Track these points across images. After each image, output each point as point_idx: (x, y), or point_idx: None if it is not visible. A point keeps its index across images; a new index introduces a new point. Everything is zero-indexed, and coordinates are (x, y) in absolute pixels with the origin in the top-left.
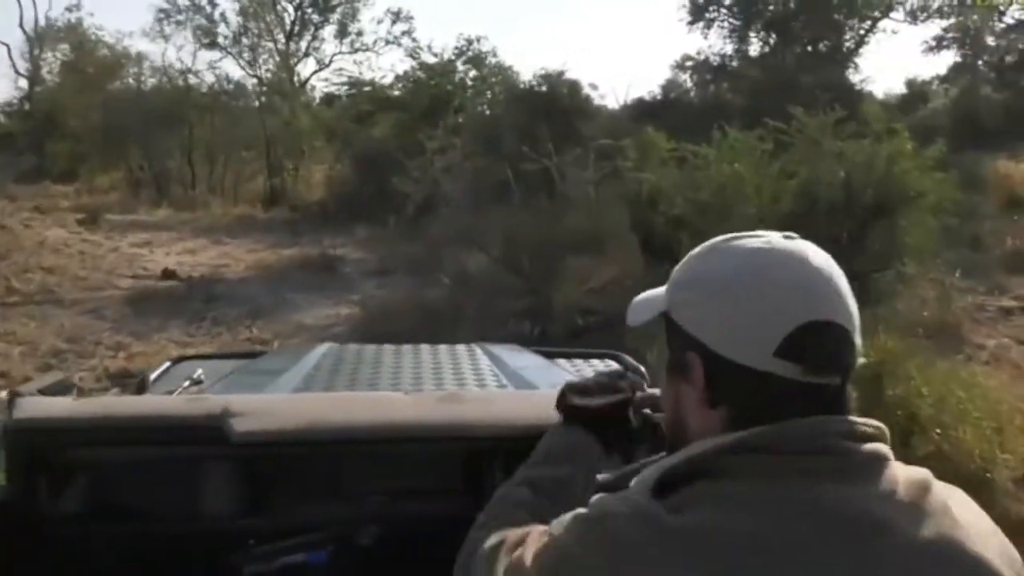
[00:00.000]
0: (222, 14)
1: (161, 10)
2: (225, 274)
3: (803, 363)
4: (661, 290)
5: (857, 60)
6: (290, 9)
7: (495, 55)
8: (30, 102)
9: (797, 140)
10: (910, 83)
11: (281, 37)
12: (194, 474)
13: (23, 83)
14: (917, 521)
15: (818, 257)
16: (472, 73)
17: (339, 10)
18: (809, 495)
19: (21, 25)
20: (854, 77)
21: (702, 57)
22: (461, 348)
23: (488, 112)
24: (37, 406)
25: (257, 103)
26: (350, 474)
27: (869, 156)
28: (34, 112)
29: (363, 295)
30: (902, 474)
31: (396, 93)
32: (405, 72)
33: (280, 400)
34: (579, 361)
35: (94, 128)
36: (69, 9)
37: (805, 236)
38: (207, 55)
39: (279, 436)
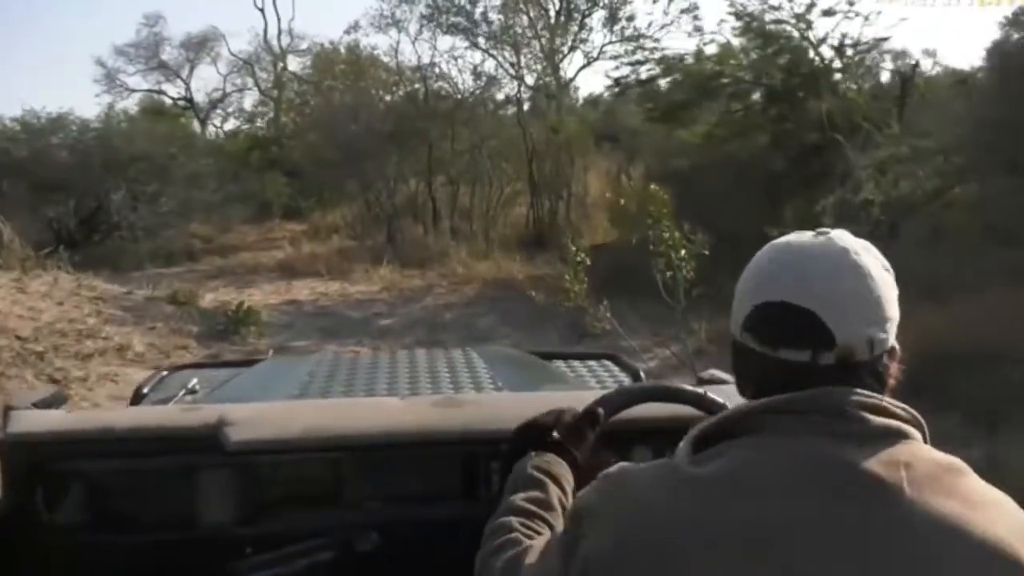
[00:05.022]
0: (483, 13)
1: (424, 15)
2: None
3: (759, 336)
4: None
5: None
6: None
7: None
8: (275, 125)
9: None
10: None
11: (545, 32)
12: (191, 483)
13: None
14: (927, 494)
15: (825, 250)
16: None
17: None
18: (812, 448)
19: (266, 40)
20: None
21: None
22: (457, 353)
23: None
24: (32, 419)
25: (515, 108)
26: (347, 480)
27: None
28: (277, 138)
29: None
30: (925, 453)
31: (717, 68)
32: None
33: (276, 408)
34: (576, 363)
35: (319, 154)
36: (348, 31)
37: None
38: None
39: (275, 444)
